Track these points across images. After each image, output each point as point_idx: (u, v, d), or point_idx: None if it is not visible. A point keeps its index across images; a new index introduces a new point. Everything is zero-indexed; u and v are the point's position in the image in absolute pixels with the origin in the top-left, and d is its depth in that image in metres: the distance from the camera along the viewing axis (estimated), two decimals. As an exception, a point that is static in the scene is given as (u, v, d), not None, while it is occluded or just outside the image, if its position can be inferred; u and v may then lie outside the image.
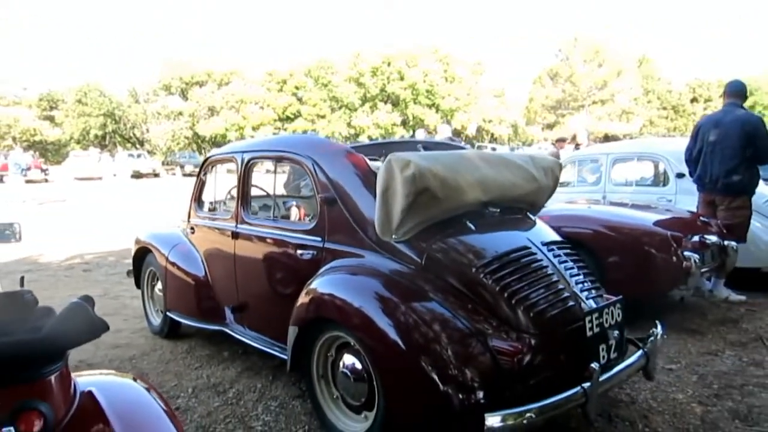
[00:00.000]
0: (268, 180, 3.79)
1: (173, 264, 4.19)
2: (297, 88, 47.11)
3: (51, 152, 46.01)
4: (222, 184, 4.30)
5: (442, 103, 45.90)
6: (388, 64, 46.19)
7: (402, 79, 45.91)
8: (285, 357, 3.15)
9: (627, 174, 6.82)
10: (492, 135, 47.53)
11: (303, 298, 2.89)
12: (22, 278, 1.25)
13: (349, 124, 46.27)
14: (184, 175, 33.09)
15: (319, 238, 3.09)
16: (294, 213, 4.10)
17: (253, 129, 44.48)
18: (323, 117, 46.54)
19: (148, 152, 41.40)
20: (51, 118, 46.64)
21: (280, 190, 3.89)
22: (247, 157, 3.66)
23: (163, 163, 37.98)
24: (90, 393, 1.24)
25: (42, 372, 1.12)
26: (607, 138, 33.56)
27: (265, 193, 4.08)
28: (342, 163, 3.10)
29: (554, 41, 60.94)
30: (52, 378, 1.14)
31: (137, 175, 32.05)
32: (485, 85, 48.87)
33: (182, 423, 2.59)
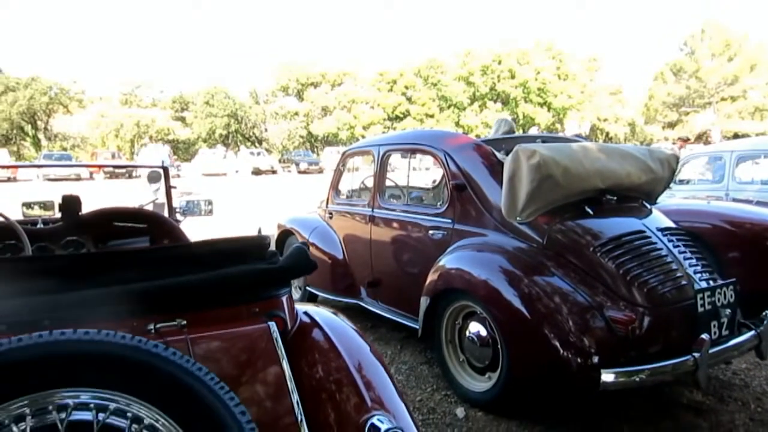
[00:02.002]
0: (401, 169, 4.27)
1: (313, 245, 4.78)
2: (406, 87, 47.97)
3: (181, 150, 50.05)
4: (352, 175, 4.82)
5: (554, 102, 44.87)
6: (499, 62, 45.85)
7: (513, 77, 45.41)
8: (415, 326, 3.59)
9: (753, 172, 6.63)
10: (607, 134, 45.77)
11: (434, 272, 3.32)
12: (260, 229, 1.74)
13: (457, 123, 46.44)
14: (299, 172, 34.84)
15: (449, 220, 3.51)
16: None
17: (364, 128, 45.89)
18: (432, 116, 47.06)
19: (266, 150, 43.95)
20: (182, 119, 50.76)
21: (413, 179, 4.33)
22: (383, 149, 4.16)
23: (279, 161, 40.14)
24: (306, 313, 1.72)
25: (278, 293, 1.59)
26: (736, 137, 31.32)
27: (397, 182, 4.56)
28: (471, 154, 3.50)
29: (678, 34, 57.28)
30: (284, 299, 1.61)
31: (257, 172, 34.16)
32: (601, 82, 47.13)
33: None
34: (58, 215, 2.84)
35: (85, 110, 48.44)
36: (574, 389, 2.63)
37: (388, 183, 4.29)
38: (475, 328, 3.13)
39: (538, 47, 46.32)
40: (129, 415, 1.02)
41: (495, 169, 3.35)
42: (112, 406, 1.02)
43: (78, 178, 25.53)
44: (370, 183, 4.35)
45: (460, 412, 3.10)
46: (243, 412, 1.10)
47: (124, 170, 28.41)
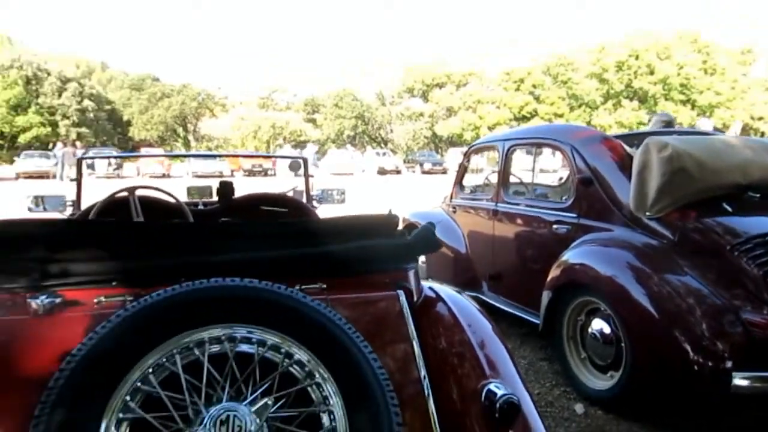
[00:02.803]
0: (525, 165, 4.27)
1: (436, 239, 4.90)
2: (534, 86, 46.72)
3: (312, 150, 52.56)
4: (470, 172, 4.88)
5: (699, 99, 41.47)
6: (636, 58, 43.20)
7: (652, 73, 42.57)
8: (536, 321, 3.59)
9: None
10: (762, 134, 41.50)
11: (558, 267, 3.30)
12: (390, 210, 1.88)
13: (588, 123, 44.43)
14: (423, 172, 35.19)
15: (574, 215, 3.47)
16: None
17: (489, 129, 45.34)
18: (561, 116, 45.44)
19: (391, 151, 44.89)
20: (313, 121, 53.31)
21: (538, 174, 4.33)
22: (508, 144, 4.19)
23: (404, 161, 40.81)
24: (431, 288, 1.84)
25: (407, 266, 1.72)
26: None
27: (522, 177, 4.56)
28: (598, 148, 3.44)
29: None
30: (411, 272, 1.74)
31: (382, 172, 34.99)
32: (756, 76, 42.80)
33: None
34: (215, 199, 3.23)
35: (227, 114, 52.47)
36: (702, 392, 2.51)
37: (512, 178, 4.31)
38: (598, 325, 3.07)
39: (682, 40, 43.02)
40: (283, 350, 1.21)
41: (624, 163, 3.26)
42: (270, 342, 1.21)
43: (221, 175, 27.75)
44: (494, 178, 4.40)
45: (579, 408, 3.07)
46: (379, 365, 1.26)
47: (260, 168, 30.44)
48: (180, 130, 50.63)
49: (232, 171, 29.50)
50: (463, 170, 4.91)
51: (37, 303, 1.29)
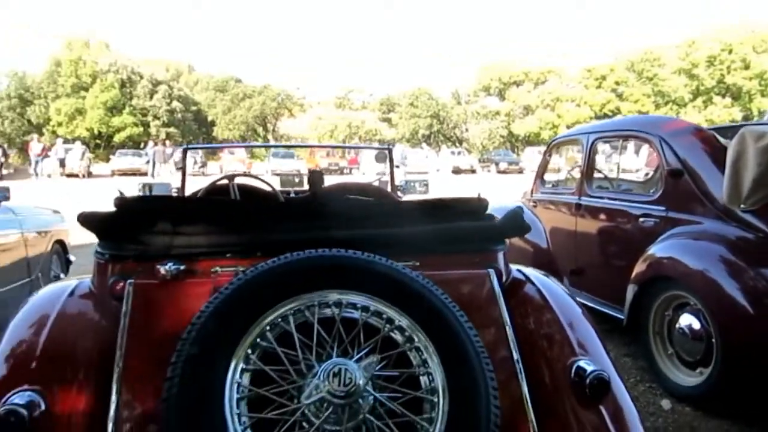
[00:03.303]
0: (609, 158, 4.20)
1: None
2: (617, 83, 45.00)
3: (387, 149, 52.90)
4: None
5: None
6: (729, 52, 40.74)
7: (747, 68, 40.02)
8: (619, 316, 3.53)
9: None
10: None
11: (644, 260, 3.24)
12: (479, 193, 1.95)
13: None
14: (498, 172, 34.73)
15: (662, 208, 3.40)
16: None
17: (567, 128, 44.04)
18: (645, 113, 43.51)
19: (467, 150, 44.52)
20: (388, 120, 53.69)
21: (624, 167, 4.25)
22: (592, 137, 4.13)
23: (479, 161, 40.40)
24: (519, 270, 1.89)
25: (496, 247, 1.78)
26: None
27: (606, 170, 4.48)
28: (689, 140, 3.35)
29: None
30: (500, 254, 1.80)
31: (456, 171, 34.82)
32: None
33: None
34: (306, 188, 3.40)
35: (305, 114, 53.78)
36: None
37: (596, 171, 4.25)
38: (686, 320, 3.00)
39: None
40: (384, 317, 1.31)
41: (717, 155, 3.16)
42: (372, 308, 1.31)
43: (298, 174, 28.47)
44: (577, 172, 4.35)
45: (665, 404, 3.01)
46: (475, 333, 1.33)
47: (336, 167, 31.04)
48: (260, 129, 52.34)
49: (298, 171, 30.22)
50: (544, 164, 4.88)
51: (164, 269, 1.47)
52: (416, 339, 1.31)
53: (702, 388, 2.86)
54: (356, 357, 1.26)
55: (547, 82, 47.32)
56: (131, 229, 1.58)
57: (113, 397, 1.26)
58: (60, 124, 38.99)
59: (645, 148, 3.80)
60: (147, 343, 1.35)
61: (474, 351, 1.30)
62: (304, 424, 1.17)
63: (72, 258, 5.24)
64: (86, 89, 40.31)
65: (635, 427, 1.43)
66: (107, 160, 33.12)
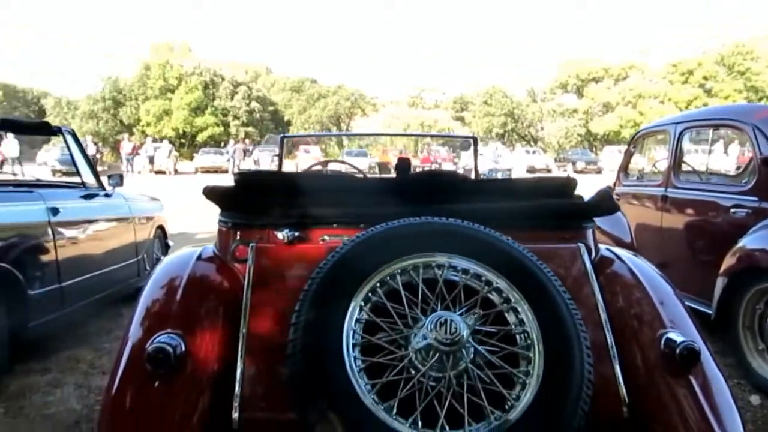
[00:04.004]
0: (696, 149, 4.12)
1: (598, 228, 4.85)
2: (705, 78, 42.72)
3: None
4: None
5: None
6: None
7: None
8: (706, 311, 3.47)
9: None
10: None
11: (735, 252, 3.19)
12: (568, 175, 2.04)
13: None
14: (576, 171, 33.79)
15: (754, 198, 3.33)
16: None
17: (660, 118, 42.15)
18: (736, 110, 41.02)
19: (542, 149, 43.58)
20: (461, 119, 53.36)
21: (714, 157, 4.15)
22: (680, 127, 4.07)
23: (555, 160, 39.43)
24: (608, 249, 1.95)
25: (585, 225, 1.87)
26: None
27: (694, 161, 4.39)
28: (785, 128, 3.26)
29: None
30: (589, 231, 1.88)
31: (531, 170, 34.12)
32: None
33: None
34: (394, 175, 3.57)
35: (378, 113, 54.33)
36: None
37: (684, 162, 4.17)
38: (780, 312, 2.94)
39: None
40: (483, 279, 1.43)
41: (816, 144, 3.07)
42: (472, 270, 1.43)
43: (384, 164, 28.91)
44: (663, 163, 4.28)
45: (754, 399, 2.97)
46: (569, 296, 1.42)
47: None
48: (334, 128, 53.35)
49: (399, 157, 30.53)
50: (628, 157, 4.82)
51: (281, 234, 1.68)
52: (513, 300, 1.41)
53: (795, 382, 2.79)
54: (459, 312, 1.37)
55: (628, 78, 45.56)
56: (251, 201, 1.79)
57: (241, 342, 1.44)
58: (149, 124, 41.30)
59: (736, 137, 3.69)
60: (268, 296, 1.54)
61: (568, 312, 1.39)
62: (411, 370, 1.30)
63: (171, 243, 5.65)
64: (172, 91, 42.49)
65: (725, 397, 1.46)
66: (191, 158, 34.80)
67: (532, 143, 49.02)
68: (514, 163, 34.60)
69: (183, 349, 1.41)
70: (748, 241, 3.14)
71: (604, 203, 1.94)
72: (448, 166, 33.08)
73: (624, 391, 1.44)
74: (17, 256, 3.18)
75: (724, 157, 4.99)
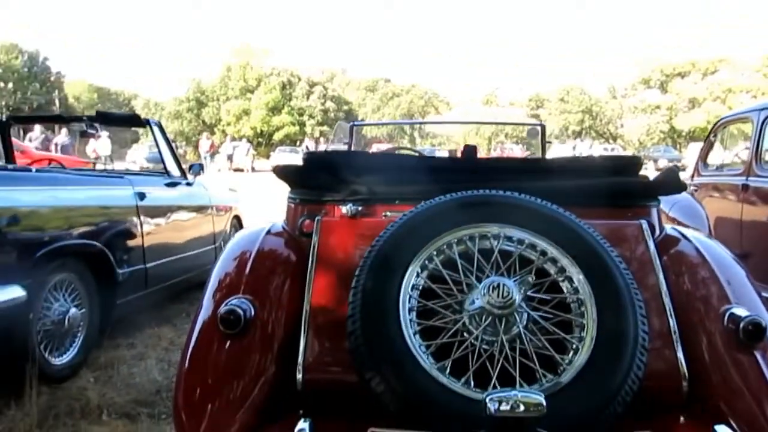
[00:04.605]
0: None
1: (674, 219, 4.67)
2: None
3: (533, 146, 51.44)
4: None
5: None
6: None
7: None
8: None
9: None
10: None
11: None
12: (634, 153, 2.02)
13: None
14: (657, 169, 32.26)
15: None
16: None
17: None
18: (840, 104, 37.97)
19: (621, 147, 41.95)
20: (537, 116, 52.22)
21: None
22: (764, 114, 3.87)
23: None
24: (674, 228, 1.92)
25: (650, 203, 1.84)
26: None
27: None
28: None
29: None
30: (654, 209, 1.85)
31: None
32: None
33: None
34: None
35: (451, 111, 54.02)
36: None
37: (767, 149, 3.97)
38: None
39: None
40: (538, 249, 1.45)
41: None
42: (527, 240, 1.46)
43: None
44: (745, 152, 4.08)
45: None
46: (625, 267, 1.42)
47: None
48: (407, 127, 53.58)
49: (465, 145, 30.42)
50: (708, 146, 4.63)
51: (345, 209, 1.77)
52: (566, 269, 1.43)
53: None
54: (513, 279, 1.41)
55: (717, 72, 43.08)
56: (317, 179, 1.90)
57: (306, 309, 1.53)
58: (229, 124, 43.02)
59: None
60: (332, 267, 1.62)
61: (623, 280, 1.39)
62: (465, 333, 1.35)
63: (246, 233, 5.88)
64: (252, 92, 44.06)
65: None
66: (267, 156, 35.95)
67: (611, 141, 47.28)
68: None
69: (252, 313, 1.51)
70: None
71: (670, 181, 1.91)
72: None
73: (684, 366, 1.43)
74: (109, 238, 3.42)
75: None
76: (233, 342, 1.49)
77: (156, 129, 4.28)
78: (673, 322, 1.49)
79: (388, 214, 1.79)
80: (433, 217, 1.51)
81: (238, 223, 5.72)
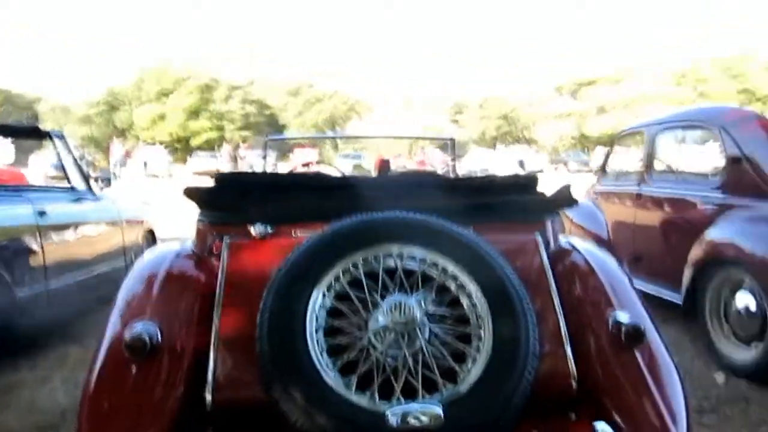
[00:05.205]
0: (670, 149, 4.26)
1: (579, 225, 4.96)
2: (698, 81, 42.96)
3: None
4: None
5: None
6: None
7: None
8: (677, 300, 3.59)
9: None
10: None
11: (702, 243, 3.33)
12: (531, 171, 2.14)
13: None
14: (569, 172, 33.93)
15: (721, 194, 3.47)
16: None
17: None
18: (728, 111, 41.30)
19: (536, 151, 43.64)
20: (457, 122, 53.56)
21: (685, 156, 4.30)
22: (655, 129, 4.22)
23: (550, 161, 39.51)
24: (568, 241, 2.05)
25: (544, 218, 1.96)
26: None
27: (667, 160, 4.51)
28: (751, 127, 3.43)
29: None
30: (549, 224, 1.98)
31: (521, 165, 34.31)
32: None
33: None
34: (375, 174, 3.67)
35: (373, 115, 54.46)
36: None
37: (657, 161, 4.30)
38: (742, 298, 3.09)
39: None
40: (439, 266, 1.52)
41: (776, 142, 3.20)
42: (429, 259, 1.53)
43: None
44: (639, 163, 4.42)
45: (719, 377, 3.10)
46: (519, 281, 1.51)
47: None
48: (329, 131, 53.51)
49: (378, 158, 30.72)
50: (608, 157, 4.96)
51: (254, 230, 1.78)
52: (465, 284, 1.50)
53: (756, 361, 2.95)
54: (414, 296, 1.46)
55: (623, 82, 45.76)
56: (227, 199, 1.91)
57: (214, 331, 1.54)
58: (143, 129, 41.37)
59: (707, 138, 3.83)
60: (241, 288, 1.63)
61: (515, 292, 1.48)
62: (370, 349, 1.40)
63: (159, 247, 5.69)
64: (167, 95, 42.59)
65: (669, 372, 1.56)
66: (185, 161, 34.90)
67: (527, 145, 49.12)
68: (506, 161, 34.80)
69: (159, 337, 1.50)
70: (712, 233, 3.27)
71: (563, 198, 2.04)
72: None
73: (574, 367, 1.54)
74: (5, 258, 3.27)
75: (695, 157, 5.14)
76: (139, 367, 1.47)
77: (59, 142, 4.09)
78: (564, 328, 1.59)
79: (299, 233, 1.81)
80: (338, 238, 1.55)
81: (151, 237, 5.53)
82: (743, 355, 3.07)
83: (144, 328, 1.49)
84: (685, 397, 1.52)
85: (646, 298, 1.81)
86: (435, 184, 2.08)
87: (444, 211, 1.71)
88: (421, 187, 2.00)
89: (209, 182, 1.98)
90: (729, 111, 3.77)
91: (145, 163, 28.65)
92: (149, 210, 5.69)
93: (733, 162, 3.38)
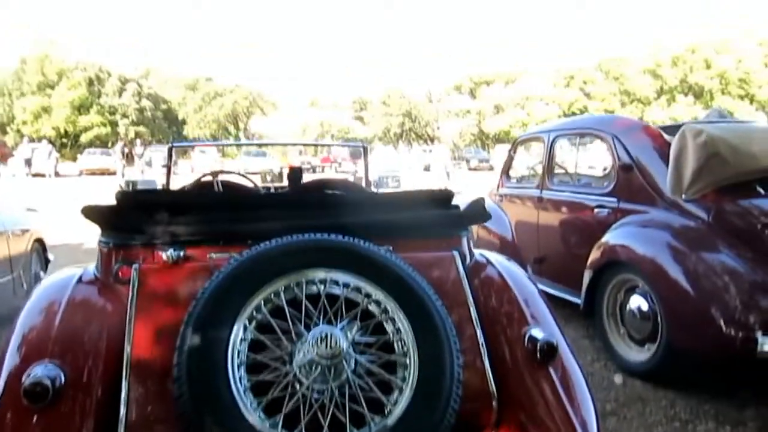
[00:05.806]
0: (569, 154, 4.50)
1: (484, 227, 5.14)
2: (585, 82, 45.94)
3: (359, 148, 52.89)
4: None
5: (758, 93, 40.04)
6: (693, 52, 42.01)
7: (709, 68, 41.31)
8: (578, 301, 3.80)
9: None
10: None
11: (598, 248, 3.52)
12: (445, 186, 2.18)
13: (640, 119, 43.24)
14: (470, 169, 35.11)
15: (614, 199, 3.70)
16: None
17: (537, 125, 44.66)
18: (611, 112, 44.52)
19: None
20: (360, 119, 53.83)
21: (581, 162, 4.54)
22: (553, 135, 4.43)
23: (451, 158, 40.64)
24: (482, 254, 2.11)
25: (460, 233, 2.01)
26: None
27: (565, 165, 4.77)
28: (639, 136, 3.67)
29: None
30: (464, 239, 2.02)
31: (427, 168, 35.00)
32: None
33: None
34: (286, 183, 3.59)
35: (277, 112, 53.57)
36: (731, 357, 2.71)
37: (556, 166, 4.53)
38: (636, 301, 3.28)
39: (748, 36, 41.49)
40: (363, 291, 1.51)
41: (664, 150, 3.46)
42: (352, 284, 1.51)
43: (279, 172, 28.45)
44: (539, 167, 4.63)
45: (618, 378, 3.28)
46: (441, 303, 1.53)
47: (309, 166, 31.07)
48: (231, 128, 52.00)
49: (281, 168, 30.26)
50: (509, 161, 5.15)
51: (166, 255, 1.64)
52: (390, 310, 1.50)
53: (650, 362, 3.14)
54: (340, 325, 1.45)
55: (517, 81, 47.99)
56: (133, 220, 1.75)
57: (125, 366, 1.42)
58: (25, 123, 38.21)
59: (600, 145, 4.07)
60: (154, 318, 1.52)
61: (440, 319, 1.50)
62: (296, 384, 1.36)
63: (51, 257, 5.28)
64: (52, 87, 39.58)
65: (581, 386, 1.62)
66: (74, 159, 32.61)
67: (429, 142, 50.22)
68: (411, 161, 35.38)
69: (62, 380, 1.38)
70: (609, 238, 3.48)
71: (477, 212, 2.09)
72: (348, 166, 33.42)
73: (494, 386, 1.56)
74: None
75: (590, 162, 5.52)
76: (42, 416, 1.34)
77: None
78: (484, 348, 1.62)
79: (214, 255, 1.72)
80: (258, 266, 1.49)
81: (40, 247, 5.11)
82: (638, 356, 3.27)
83: (45, 371, 1.36)
84: (595, 409, 1.59)
85: (550, 300, 1.92)
86: (353, 201, 2.06)
87: (363, 228, 1.70)
88: (340, 204, 1.98)
89: (110, 199, 1.84)
90: (619, 120, 4.04)
91: (28, 161, 26.41)
92: (36, 217, 5.25)
93: (624, 169, 3.63)
